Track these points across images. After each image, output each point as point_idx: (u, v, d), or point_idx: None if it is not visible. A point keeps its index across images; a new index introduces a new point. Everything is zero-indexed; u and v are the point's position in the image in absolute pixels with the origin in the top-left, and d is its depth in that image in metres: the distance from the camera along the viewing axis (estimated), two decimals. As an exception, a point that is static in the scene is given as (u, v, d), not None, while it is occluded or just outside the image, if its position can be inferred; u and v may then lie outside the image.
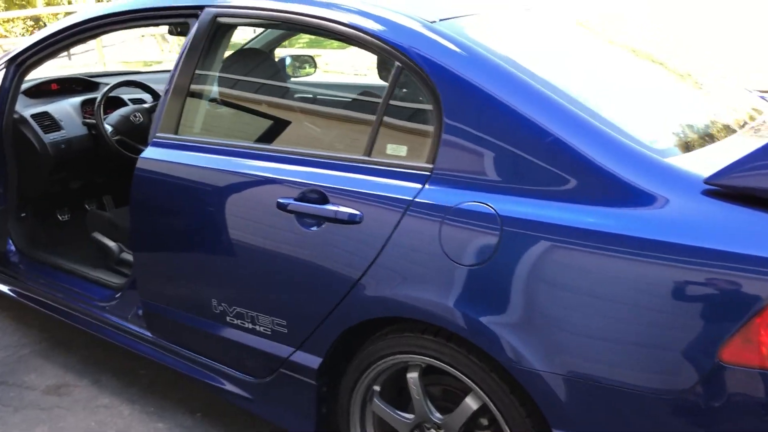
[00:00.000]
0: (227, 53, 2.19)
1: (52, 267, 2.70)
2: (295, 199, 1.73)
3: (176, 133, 2.05)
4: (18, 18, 19.15)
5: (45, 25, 22.89)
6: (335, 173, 1.72)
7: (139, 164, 2.06)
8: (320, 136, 2.03)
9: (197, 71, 2.04)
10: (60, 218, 3.17)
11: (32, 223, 2.94)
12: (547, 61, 1.74)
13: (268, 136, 2.08)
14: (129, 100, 3.10)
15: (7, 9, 19.62)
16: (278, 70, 2.69)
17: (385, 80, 2.46)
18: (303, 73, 3.10)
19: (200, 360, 2.12)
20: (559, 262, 1.38)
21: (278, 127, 2.11)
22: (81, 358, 2.65)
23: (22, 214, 2.89)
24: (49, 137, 2.74)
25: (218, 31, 2.05)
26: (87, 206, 3.26)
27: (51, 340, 2.77)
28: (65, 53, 12.67)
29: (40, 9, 19.00)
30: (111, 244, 2.65)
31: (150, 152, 2.06)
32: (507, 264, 1.44)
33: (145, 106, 3.02)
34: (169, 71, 3.57)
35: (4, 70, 2.59)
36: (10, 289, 2.77)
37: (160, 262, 2.13)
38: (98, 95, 3.05)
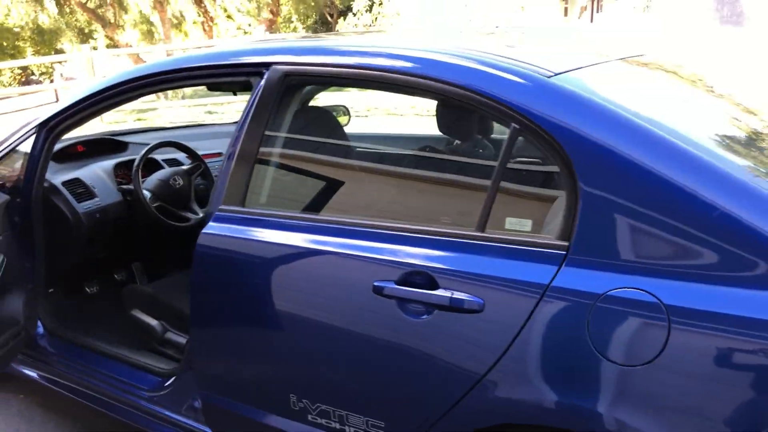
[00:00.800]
0: (299, 113, 1.97)
1: (85, 349, 2.43)
2: (396, 283, 1.50)
3: (244, 204, 1.82)
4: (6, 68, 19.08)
5: (33, 74, 22.78)
6: (444, 253, 1.49)
7: (202, 240, 1.83)
8: (419, 208, 1.80)
9: (267, 133, 1.82)
10: (88, 291, 2.91)
11: (60, 298, 2.69)
12: (688, 117, 1.54)
13: (355, 209, 1.86)
14: (163, 161, 2.87)
15: (-4, 59, 19.50)
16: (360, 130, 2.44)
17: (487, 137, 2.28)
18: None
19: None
20: (755, 365, 1.15)
21: (367, 197, 1.89)
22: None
23: (50, 290, 2.64)
24: (82, 206, 2.50)
25: (288, 89, 1.84)
26: (116, 276, 3.01)
27: (86, 432, 2.49)
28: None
29: (30, 59, 18.91)
30: (153, 322, 2.39)
31: (214, 227, 1.83)
32: (679, 365, 1.21)
33: (184, 168, 2.80)
34: (195, 125, 3.37)
35: (34, 135, 2.36)
36: (38, 375, 2.50)
37: (225, 350, 1.88)
38: (129, 157, 2.84)
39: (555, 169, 1.41)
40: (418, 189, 1.89)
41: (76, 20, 16.07)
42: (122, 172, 2.77)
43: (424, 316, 1.47)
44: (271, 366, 1.79)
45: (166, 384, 2.14)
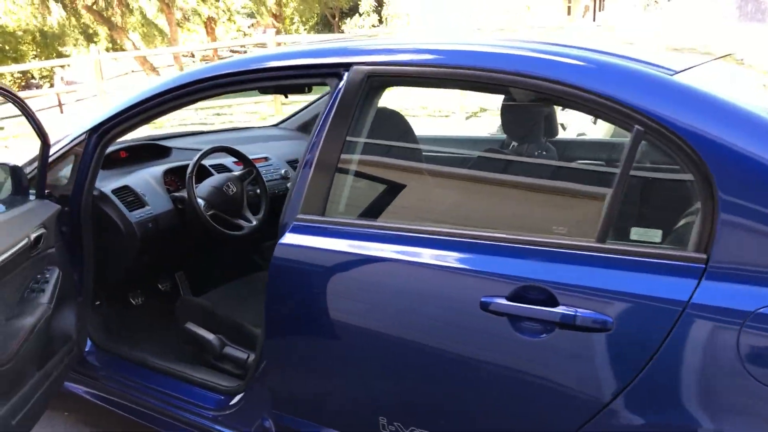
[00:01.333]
0: (381, 115, 1.86)
1: (136, 364, 2.32)
2: (508, 299, 1.39)
3: (324, 214, 1.71)
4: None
5: (33, 78, 22.69)
6: (562, 266, 1.37)
7: (279, 252, 1.71)
8: (525, 217, 1.69)
9: (349, 138, 1.71)
10: (133, 302, 2.79)
11: (106, 311, 2.57)
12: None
13: (451, 218, 1.75)
14: (210, 166, 2.76)
15: (-1, 63, 19.37)
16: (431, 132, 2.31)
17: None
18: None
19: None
20: None
21: (464, 204, 1.77)
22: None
23: (97, 302, 2.52)
24: (134, 215, 2.38)
25: (371, 90, 1.73)
26: (161, 286, 2.90)
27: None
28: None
29: (35, 63, 18.78)
30: (209, 336, 2.28)
31: (292, 238, 1.71)
32: None
33: (235, 174, 2.68)
34: (233, 129, 3.25)
35: (84, 141, 2.24)
36: (86, 391, 2.39)
37: (304, 368, 1.77)
38: (177, 163, 2.72)
39: (687, 175, 1.30)
40: (522, 196, 1.77)
41: (82, 23, 15.95)
42: (170, 178, 2.65)
43: (543, 335, 1.36)
44: (356, 386, 1.68)
45: (232, 403, 2.02)
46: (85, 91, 17.84)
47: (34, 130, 2.07)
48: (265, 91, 2.27)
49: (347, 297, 1.64)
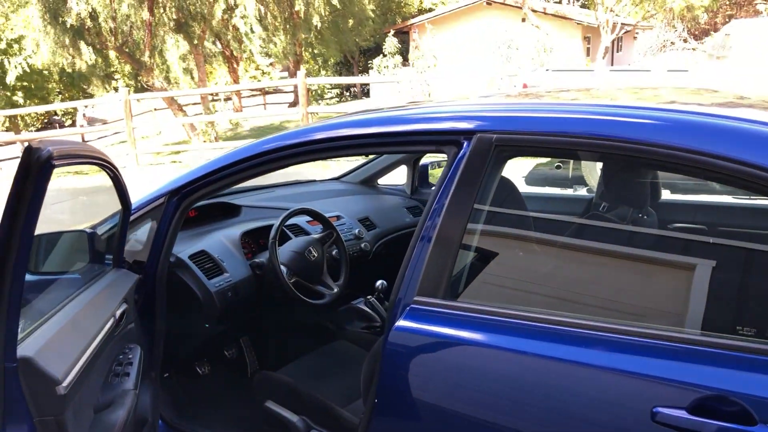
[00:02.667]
0: (505, 185, 1.70)
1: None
2: (689, 411, 1.20)
3: (444, 297, 1.53)
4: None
5: (56, 114, 22.94)
6: (760, 376, 1.19)
7: (395, 338, 1.54)
8: (706, 310, 1.49)
9: (476, 209, 1.55)
10: (200, 372, 2.61)
11: (175, 384, 2.39)
12: None
13: (606, 308, 1.57)
14: (286, 228, 2.60)
15: (25, 103, 19.60)
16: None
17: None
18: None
19: None
20: None
21: (624, 291, 1.59)
22: None
23: (165, 375, 2.35)
24: (213, 284, 2.22)
25: (498, 159, 1.58)
26: (226, 353, 2.72)
27: None
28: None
29: (58, 104, 19.00)
30: (294, 418, 2.09)
31: (409, 323, 1.54)
32: None
33: (315, 237, 2.52)
34: (293, 183, 3.08)
35: (163, 204, 2.10)
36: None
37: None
38: (253, 225, 2.57)
39: None
40: (699, 284, 1.57)
41: (110, 65, 16.12)
42: (245, 240, 2.49)
43: (734, 458, 1.17)
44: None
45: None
46: (107, 128, 18.00)
47: (119, 195, 1.92)
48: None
49: (479, 394, 1.46)
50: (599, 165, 2.27)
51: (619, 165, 1.95)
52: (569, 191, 3.12)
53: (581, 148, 1.50)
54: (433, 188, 1.62)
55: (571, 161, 2.90)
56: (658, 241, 1.95)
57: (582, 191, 2.96)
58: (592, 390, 1.32)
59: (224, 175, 1.98)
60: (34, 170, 1.23)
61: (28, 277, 1.36)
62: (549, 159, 2.82)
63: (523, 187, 2.36)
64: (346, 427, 2.03)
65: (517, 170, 2.34)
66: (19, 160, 1.25)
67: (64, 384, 1.30)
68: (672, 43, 24.41)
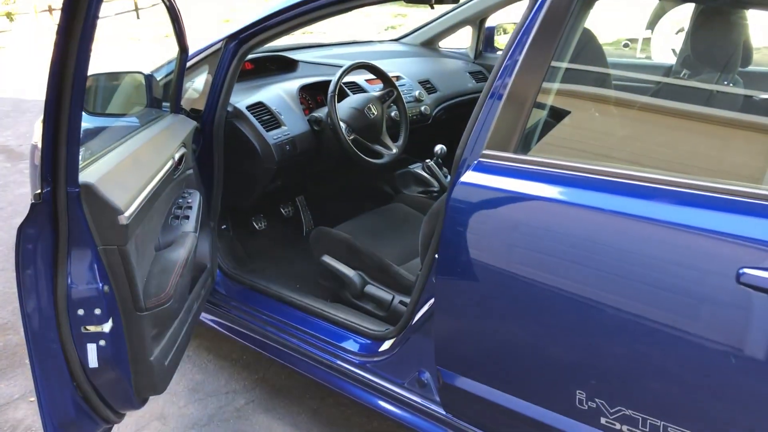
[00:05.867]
0: (589, 37, 1.56)
1: (267, 296, 2.15)
2: (779, 272, 1.11)
3: (517, 151, 1.44)
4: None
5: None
6: None
7: (459, 193, 1.47)
8: None
9: (554, 63, 1.42)
10: (256, 227, 2.62)
11: (232, 237, 2.41)
12: None
13: (689, 165, 1.45)
14: (344, 85, 2.49)
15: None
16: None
17: None
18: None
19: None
20: None
21: (712, 149, 1.48)
22: (311, 413, 2.12)
23: (223, 227, 2.36)
24: (272, 136, 2.16)
25: (584, 5, 1.42)
26: (283, 211, 2.71)
27: (266, 386, 2.26)
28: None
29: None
30: (351, 273, 2.08)
31: (476, 177, 1.46)
32: None
33: (375, 95, 2.41)
34: (352, 43, 2.94)
35: (221, 49, 2.01)
36: (213, 320, 2.25)
37: (484, 324, 1.54)
38: (311, 79, 2.47)
39: None
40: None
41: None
42: (302, 96, 2.40)
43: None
44: (550, 355, 1.45)
45: (381, 349, 1.84)
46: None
47: (176, 34, 1.84)
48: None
49: (548, 251, 1.39)
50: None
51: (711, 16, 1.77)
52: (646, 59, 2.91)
53: None
54: (506, 42, 1.48)
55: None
56: (744, 104, 1.79)
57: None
58: (672, 251, 1.24)
59: (283, 19, 1.87)
60: None
61: (85, 117, 1.32)
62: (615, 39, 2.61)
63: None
64: (402, 284, 2.01)
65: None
66: None
67: (126, 214, 1.29)
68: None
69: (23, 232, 1.20)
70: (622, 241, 1.29)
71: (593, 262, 1.33)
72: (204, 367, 2.36)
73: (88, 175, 1.27)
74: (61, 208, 1.20)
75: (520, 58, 1.42)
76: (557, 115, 1.55)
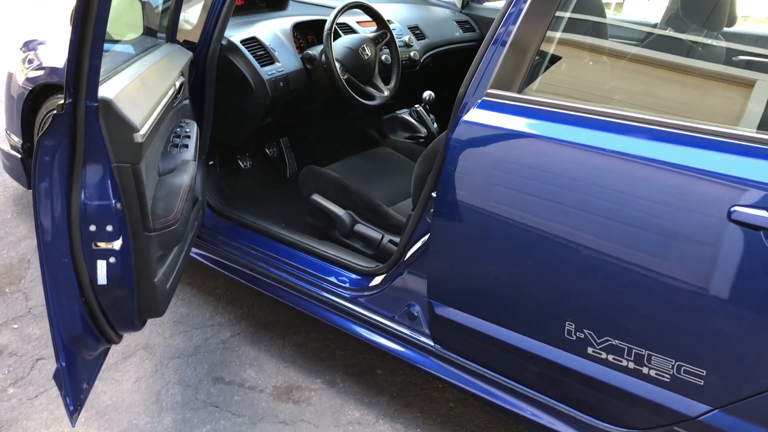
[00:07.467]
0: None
1: (256, 232, 2.17)
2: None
3: (520, 90, 1.48)
4: None
5: None
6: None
7: (462, 132, 1.51)
8: None
9: (558, 14, 1.46)
10: (242, 165, 2.62)
11: (218, 173, 2.41)
12: None
13: (683, 108, 1.51)
14: (337, 25, 2.48)
15: None
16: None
17: None
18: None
19: (520, 390, 1.64)
20: None
21: (705, 94, 1.53)
22: (296, 347, 2.18)
23: (210, 162, 2.35)
24: (266, 72, 2.15)
25: None
26: (268, 151, 2.72)
27: (251, 321, 2.30)
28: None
29: None
30: (340, 212, 2.12)
31: (479, 115, 1.50)
32: None
33: (369, 36, 2.41)
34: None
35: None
36: (201, 255, 2.27)
37: (476, 258, 1.60)
38: (304, 17, 2.45)
39: None
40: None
41: None
42: (294, 35, 2.39)
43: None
44: (540, 287, 1.52)
45: (371, 284, 1.90)
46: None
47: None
48: None
49: (545, 189, 1.44)
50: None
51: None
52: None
53: None
54: None
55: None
56: (728, 56, 1.87)
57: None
58: (667, 189, 1.31)
59: None
60: None
61: None
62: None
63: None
64: (391, 224, 2.06)
65: None
66: None
67: (141, 132, 1.29)
68: None
69: (41, 145, 1.20)
70: (620, 177, 1.35)
71: (591, 197, 1.39)
72: (188, 301, 2.38)
73: (104, 91, 1.27)
74: (80, 121, 1.20)
75: (526, 5, 1.47)
76: (560, 62, 1.59)
